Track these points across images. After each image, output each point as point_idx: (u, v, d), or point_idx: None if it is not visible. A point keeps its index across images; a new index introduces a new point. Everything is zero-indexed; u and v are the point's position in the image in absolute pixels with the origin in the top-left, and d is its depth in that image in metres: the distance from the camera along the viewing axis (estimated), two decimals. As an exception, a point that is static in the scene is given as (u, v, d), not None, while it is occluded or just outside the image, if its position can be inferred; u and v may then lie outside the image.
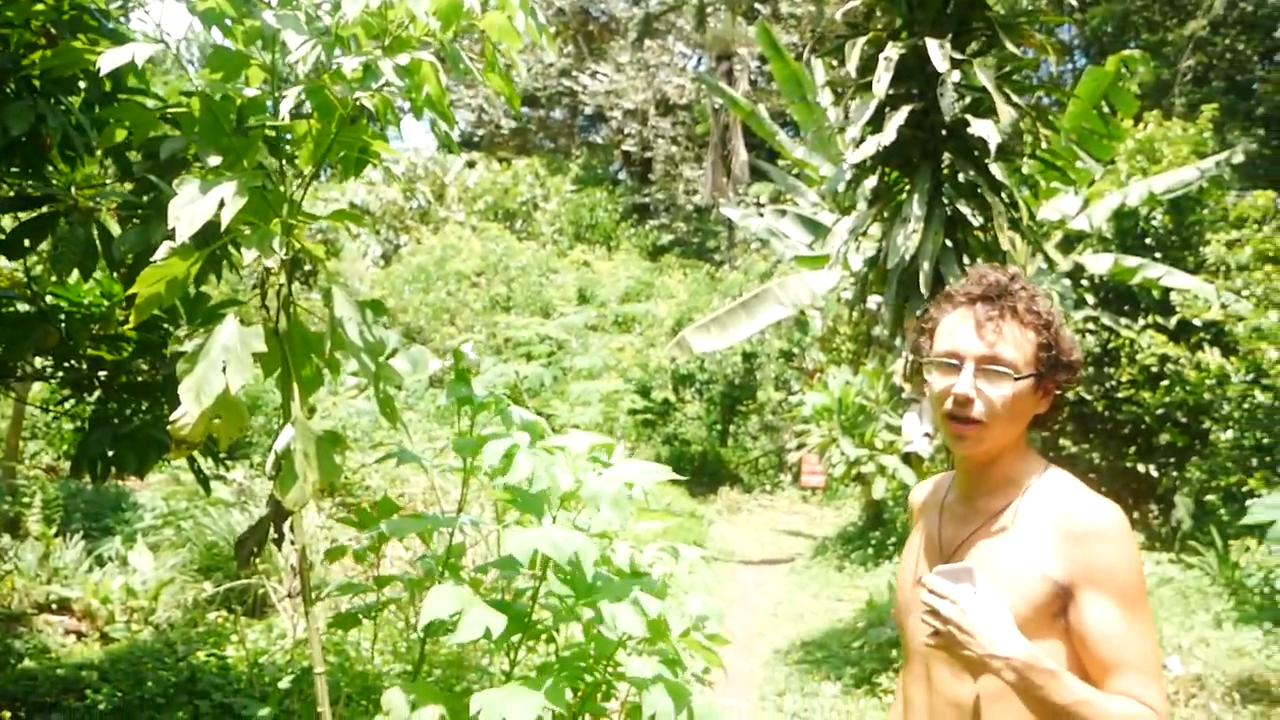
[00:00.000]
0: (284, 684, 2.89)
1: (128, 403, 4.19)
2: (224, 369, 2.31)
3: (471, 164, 25.54)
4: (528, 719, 2.28)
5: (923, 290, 5.57)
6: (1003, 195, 5.71)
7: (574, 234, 25.90)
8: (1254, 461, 8.02)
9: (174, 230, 2.32)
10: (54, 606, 6.67)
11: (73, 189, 3.31)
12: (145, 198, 3.32)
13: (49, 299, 3.87)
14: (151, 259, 3.12)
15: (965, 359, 1.58)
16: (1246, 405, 8.02)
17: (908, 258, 5.62)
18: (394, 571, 3.07)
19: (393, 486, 8.39)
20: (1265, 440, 7.87)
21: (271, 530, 2.51)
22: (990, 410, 1.57)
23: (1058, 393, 1.62)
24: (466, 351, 2.56)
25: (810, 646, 7.33)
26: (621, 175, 32.94)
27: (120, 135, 3.02)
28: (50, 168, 3.41)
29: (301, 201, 2.55)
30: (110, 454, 4.13)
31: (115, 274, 3.55)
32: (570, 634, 3.22)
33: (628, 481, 2.60)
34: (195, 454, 4.13)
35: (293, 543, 2.47)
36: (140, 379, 4.34)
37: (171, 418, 2.41)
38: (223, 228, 2.30)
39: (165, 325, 4.14)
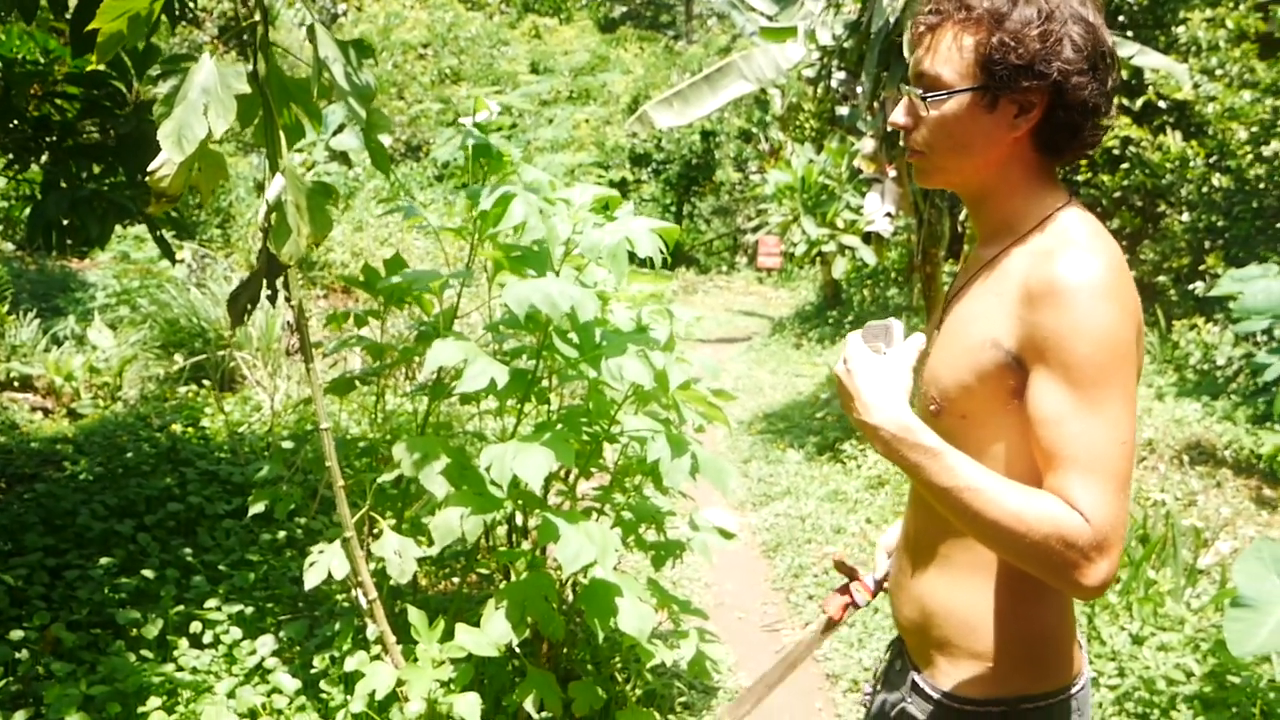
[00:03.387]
0: (286, 444, 2.89)
1: (81, 166, 3.96)
2: (205, 112, 2.14)
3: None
4: (538, 471, 2.31)
5: (906, 56, 5.37)
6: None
7: (522, 4, 24.61)
8: (1207, 244, 8.18)
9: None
10: (16, 384, 6.59)
11: (1, -83, 2.97)
12: (84, -71, 2.99)
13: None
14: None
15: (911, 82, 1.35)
16: (1205, 189, 8.10)
17: (893, 20, 5.39)
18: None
19: (356, 261, 8.22)
20: (1221, 223, 8.00)
21: (264, 287, 2.42)
22: (925, 137, 1.33)
23: (1062, 110, 1.26)
24: (491, 105, 2.40)
25: (772, 418, 7.58)
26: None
27: None
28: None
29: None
30: (66, 223, 3.95)
31: (60, 18, 3.24)
32: (565, 401, 3.25)
33: (629, 236, 2.52)
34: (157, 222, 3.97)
35: (288, 299, 2.39)
36: (89, 141, 4.10)
37: (150, 168, 2.26)
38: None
39: (114, 82, 3.86)
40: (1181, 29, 8.84)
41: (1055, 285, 1.18)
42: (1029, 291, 1.21)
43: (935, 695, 1.37)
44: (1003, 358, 1.23)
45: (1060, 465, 1.17)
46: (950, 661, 1.37)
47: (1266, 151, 7.47)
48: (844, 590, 1.79)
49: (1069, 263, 1.19)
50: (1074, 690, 1.36)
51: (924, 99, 1.29)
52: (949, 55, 1.28)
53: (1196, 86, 8.20)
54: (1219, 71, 8.21)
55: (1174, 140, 8.37)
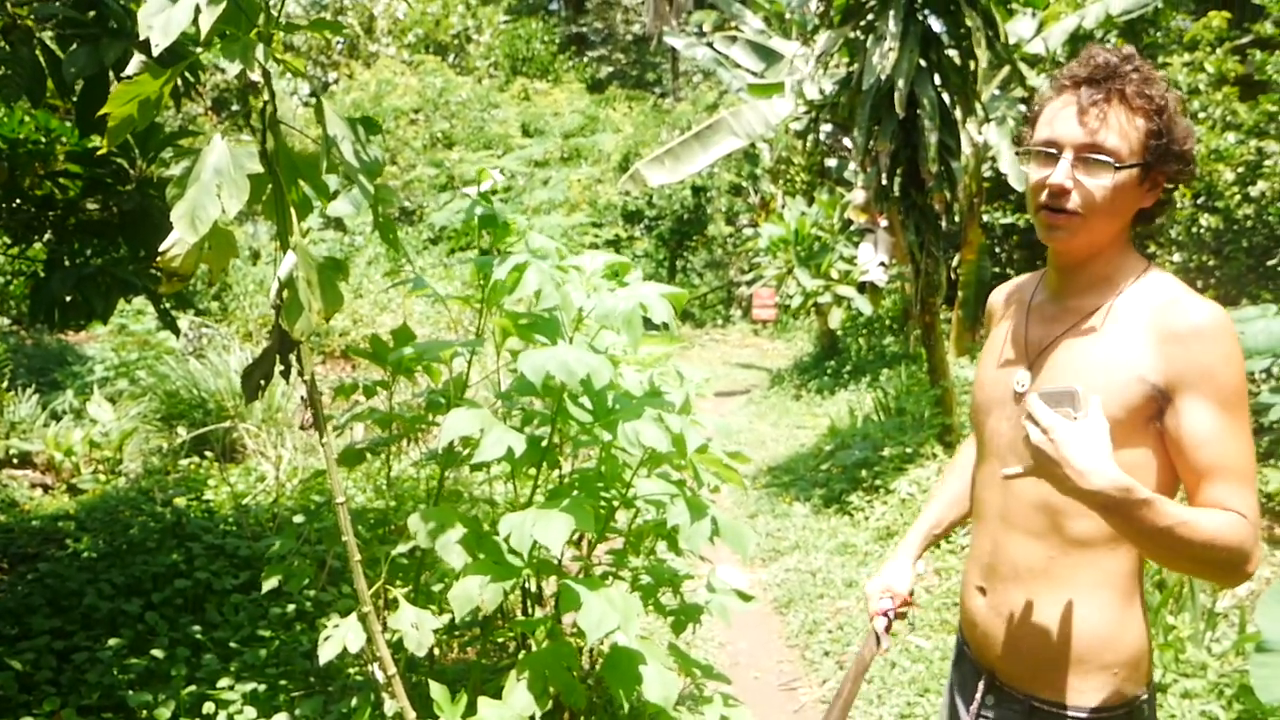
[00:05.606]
0: (297, 518, 2.86)
1: (84, 244, 3.98)
2: (218, 193, 2.16)
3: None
4: (558, 539, 2.29)
5: (897, 110, 5.45)
6: (978, 10, 5.55)
7: (510, 67, 25.00)
8: (1199, 283, 8.25)
9: (146, 43, 2.11)
10: (15, 461, 6.55)
11: (8, 4, 3.01)
12: (90, 14, 3.04)
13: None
14: (108, 81, 2.90)
15: (1064, 147, 1.48)
16: (1194, 229, 8.18)
17: (884, 77, 5.47)
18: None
19: (356, 328, 8.24)
20: (1212, 262, 8.07)
21: (277, 362, 2.42)
22: (1088, 202, 1.47)
23: (1167, 186, 1.51)
24: (494, 175, 2.43)
25: (776, 471, 7.54)
26: (555, 4, 31.51)
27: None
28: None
29: (282, 9, 2.34)
30: (69, 299, 3.95)
31: (66, 100, 3.28)
32: (576, 463, 3.23)
33: (642, 302, 2.53)
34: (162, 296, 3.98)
35: (300, 374, 2.38)
36: (91, 218, 4.12)
37: (161, 248, 2.27)
38: (203, 37, 2.11)
39: (116, 159, 3.90)
40: (1161, 74, 8.99)
41: (1200, 328, 1.41)
42: (1173, 333, 1.42)
43: (1072, 714, 1.50)
44: (1149, 390, 1.43)
45: (1218, 476, 1.40)
46: (1082, 678, 1.50)
47: (1253, 191, 7.56)
48: (885, 612, 1.93)
49: (1201, 309, 1.43)
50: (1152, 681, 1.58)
51: (1118, 169, 1.46)
52: (1123, 132, 1.47)
53: (1181, 129, 8.32)
54: (1202, 114, 8.33)
55: (1161, 182, 8.48)
